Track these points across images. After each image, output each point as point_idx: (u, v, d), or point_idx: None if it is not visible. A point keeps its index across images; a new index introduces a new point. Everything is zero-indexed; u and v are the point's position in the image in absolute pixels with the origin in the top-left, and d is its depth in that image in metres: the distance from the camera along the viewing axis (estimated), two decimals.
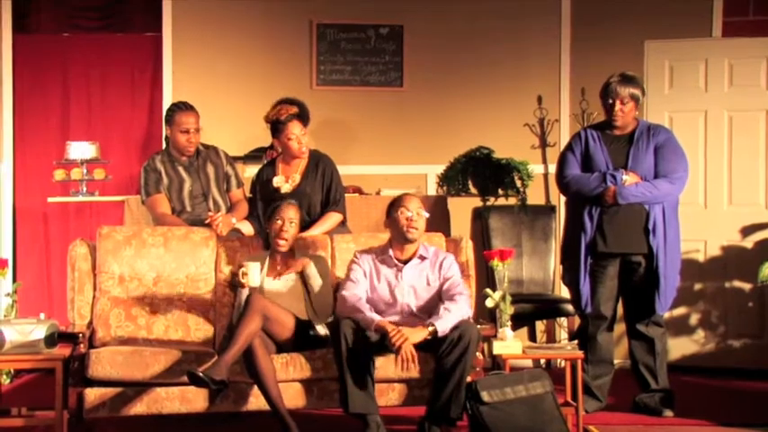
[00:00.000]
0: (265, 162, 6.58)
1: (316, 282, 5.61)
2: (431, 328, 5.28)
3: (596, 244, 5.99)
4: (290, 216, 5.69)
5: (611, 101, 6.03)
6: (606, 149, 6.03)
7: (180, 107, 6.30)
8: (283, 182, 6.20)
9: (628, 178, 5.93)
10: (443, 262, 5.63)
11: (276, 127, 6.15)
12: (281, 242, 5.66)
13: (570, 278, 6.14)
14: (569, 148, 6.17)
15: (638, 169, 5.97)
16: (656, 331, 6.15)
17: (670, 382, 6.22)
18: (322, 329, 5.57)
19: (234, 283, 5.65)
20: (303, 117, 6.16)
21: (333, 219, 6.16)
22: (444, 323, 5.30)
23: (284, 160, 6.27)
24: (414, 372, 5.29)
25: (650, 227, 5.97)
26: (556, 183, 6.27)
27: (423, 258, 5.63)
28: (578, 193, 6.02)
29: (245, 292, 5.48)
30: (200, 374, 5.02)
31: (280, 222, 5.68)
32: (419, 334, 5.25)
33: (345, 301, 5.47)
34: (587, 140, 6.09)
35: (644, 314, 6.10)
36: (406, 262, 5.62)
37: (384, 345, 5.34)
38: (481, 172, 7.30)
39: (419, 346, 5.28)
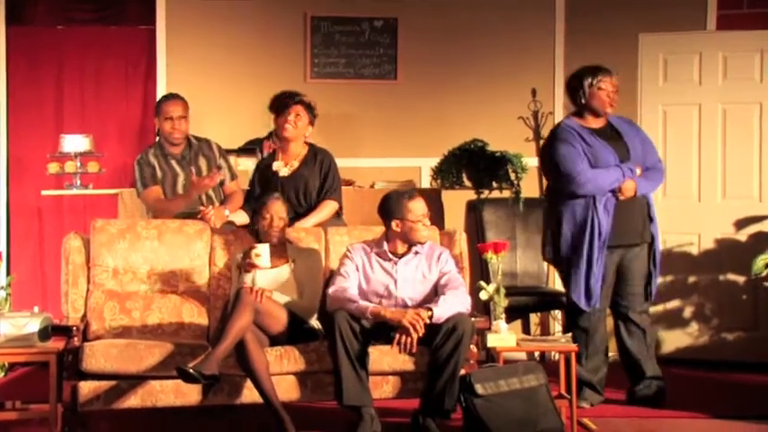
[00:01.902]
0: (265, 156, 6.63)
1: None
2: (429, 313, 5.30)
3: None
4: (277, 211, 5.71)
5: (610, 88, 6.03)
6: (607, 143, 6.02)
7: (165, 97, 6.39)
8: (282, 166, 6.27)
9: (639, 171, 5.98)
10: (440, 256, 5.63)
11: (280, 107, 6.22)
12: (272, 236, 5.68)
13: (578, 273, 6.03)
14: (568, 142, 6.01)
15: (639, 161, 6.01)
16: (646, 320, 6.20)
17: (664, 375, 6.23)
18: (315, 322, 5.57)
19: (242, 267, 5.64)
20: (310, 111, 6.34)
21: (329, 207, 6.22)
22: (441, 310, 5.32)
23: (282, 149, 6.34)
24: (414, 347, 5.31)
25: (652, 215, 6.07)
26: (564, 180, 6.00)
27: (417, 253, 5.63)
28: (595, 190, 5.94)
29: (248, 277, 5.48)
30: (190, 370, 5.02)
31: (268, 218, 5.70)
32: (423, 314, 5.31)
33: (335, 294, 5.48)
34: (581, 135, 6.04)
35: (638, 303, 6.14)
36: (401, 256, 5.62)
37: (380, 334, 5.38)
38: (475, 164, 7.29)
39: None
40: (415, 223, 5.55)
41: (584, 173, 5.94)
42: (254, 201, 6.09)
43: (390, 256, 5.61)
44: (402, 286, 5.55)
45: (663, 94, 7.62)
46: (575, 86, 6.10)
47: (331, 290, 5.52)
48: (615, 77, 6.07)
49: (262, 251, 5.52)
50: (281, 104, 6.24)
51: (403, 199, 5.59)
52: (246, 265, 5.58)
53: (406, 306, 5.51)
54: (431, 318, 5.30)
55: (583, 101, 6.07)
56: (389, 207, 5.60)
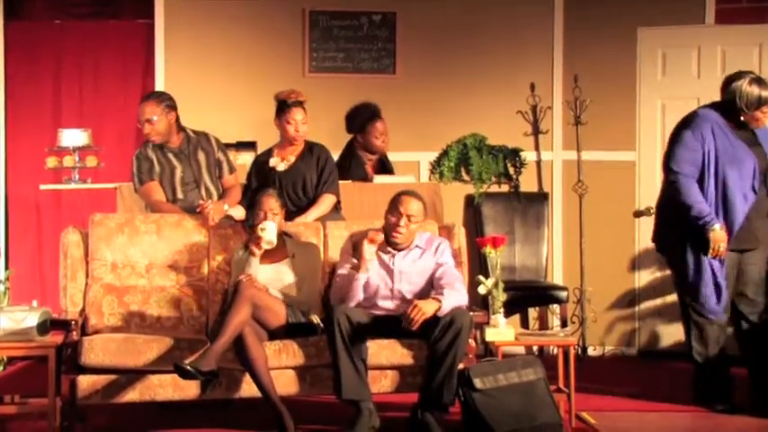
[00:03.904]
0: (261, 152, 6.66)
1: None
2: (437, 304, 5.29)
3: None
4: (270, 207, 5.66)
5: (756, 107, 5.78)
6: (748, 147, 5.85)
7: (141, 99, 6.34)
8: (279, 161, 6.28)
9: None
10: (438, 248, 5.62)
11: (281, 107, 6.24)
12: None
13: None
14: (698, 131, 5.83)
15: None
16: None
17: (663, 370, 6.21)
18: (315, 318, 5.56)
19: (250, 244, 5.61)
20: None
21: (328, 201, 6.24)
22: (446, 302, 5.31)
23: (280, 146, 6.35)
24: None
25: None
26: (665, 165, 5.96)
27: (416, 246, 5.62)
28: (681, 196, 5.81)
29: (253, 261, 5.49)
30: (187, 367, 5.01)
31: (262, 214, 5.66)
32: (432, 306, 5.28)
33: (337, 289, 5.54)
34: (717, 128, 5.83)
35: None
36: (399, 249, 5.61)
37: (379, 330, 5.39)
38: (474, 159, 7.27)
39: (413, 334, 5.33)
40: (391, 218, 5.54)
41: (686, 173, 5.83)
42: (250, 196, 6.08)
43: (389, 248, 5.60)
44: (399, 278, 5.54)
45: (661, 88, 7.63)
46: (739, 96, 5.81)
47: (333, 287, 5.58)
48: None
49: (268, 226, 5.52)
50: (283, 107, 6.27)
51: (398, 195, 5.62)
52: (255, 240, 5.56)
53: (404, 298, 5.51)
54: (437, 310, 5.29)
55: (741, 116, 5.84)
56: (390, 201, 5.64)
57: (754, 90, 5.78)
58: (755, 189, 5.82)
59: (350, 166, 7.08)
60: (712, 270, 5.83)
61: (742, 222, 5.81)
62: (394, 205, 5.57)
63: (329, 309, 5.46)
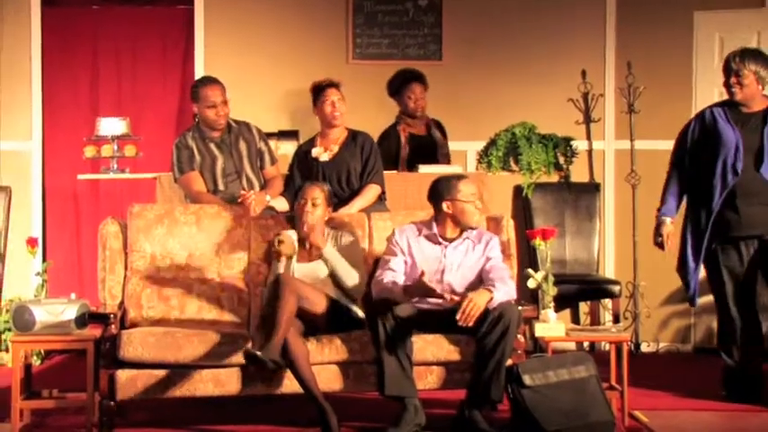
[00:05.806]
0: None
1: (338, 264, 5.52)
2: (489, 294, 5.20)
3: None
4: (314, 196, 5.60)
5: (725, 76, 5.83)
6: (739, 129, 5.79)
7: (203, 82, 6.31)
8: (322, 152, 6.24)
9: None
10: (488, 243, 5.54)
11: (316, 94, 6.21)
12: (303, 222, 5.56)
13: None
14: (689, 123, 5.99)
15: None
16: None
17: (720, 368, 6.05)
18: (359, 311, 5.52)
19: (271, 255, 5.60)
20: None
21: (372, 191, 6.20)
22: (498, 294, 5.23)
23: (322, 134, 6.32)
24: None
25: None
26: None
27: (467, 238, 5.53)
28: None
29: (280, 266, 5.44)
30: (259, 355, 4.98)
31: (303, 202, 5.60)
32: (484, 297, 5.19)
33: (379, 284, 5.44)
34: (705, 116, 5.88)
35: None
36: (451, 240, 5.52)
37: (425, 324, 5.31)
38: (523, 148, 7.18)
39: (460, 329, 5.22)
40: (466, 203, 5.45)
41: (674, 166, 5.99)
42: (296, 188, 6.03)
43: (440, 239, 5.51)
44: (450, 271, 5.46)
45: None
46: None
47: (379, 280, 5.45)
48: (744, 61, 5.78)
49: (286, 238, 5.46)
50: (318, 92, 6.23)
51: (453, 180, 5.53)
52: (274, 253, 5.54)
53: (453, 291, 5.40)
54: (489, 300, 5.20)
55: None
56: (440, 189, 5.53)
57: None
58: (737, 170, 5.74)
59: (386, 146, 7.04)
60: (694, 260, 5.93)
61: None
62: (457, 190, 5.45)
63: (373, 304, 5.40)
